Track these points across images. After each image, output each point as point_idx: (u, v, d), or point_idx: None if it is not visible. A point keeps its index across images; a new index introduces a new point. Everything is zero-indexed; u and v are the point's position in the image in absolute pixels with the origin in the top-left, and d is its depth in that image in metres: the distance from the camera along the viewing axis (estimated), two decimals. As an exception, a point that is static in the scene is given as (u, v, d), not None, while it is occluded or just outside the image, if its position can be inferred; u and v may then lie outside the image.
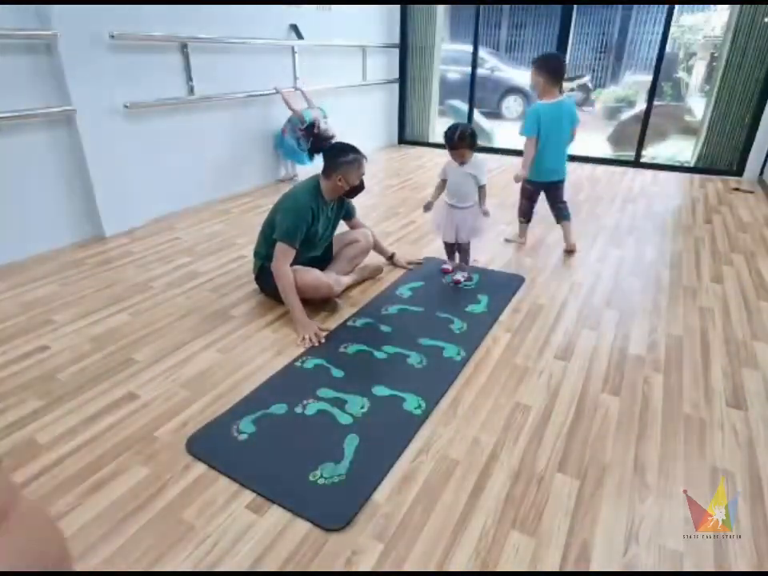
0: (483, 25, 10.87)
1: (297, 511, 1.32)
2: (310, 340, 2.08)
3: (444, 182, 2.57)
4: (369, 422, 1.65)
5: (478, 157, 2.52)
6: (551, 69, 2.82)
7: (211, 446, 1.54)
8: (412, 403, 1.74)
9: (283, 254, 2.18)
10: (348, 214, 2.60)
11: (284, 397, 1.76)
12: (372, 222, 3.38)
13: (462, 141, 2.39)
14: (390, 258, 2.83)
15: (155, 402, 1.74)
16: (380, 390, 1.80)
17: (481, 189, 2.50)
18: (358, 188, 2.35)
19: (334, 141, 2.47)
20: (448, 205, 2.56)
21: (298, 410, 1.70)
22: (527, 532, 1.28)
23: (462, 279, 2.64)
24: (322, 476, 1.43)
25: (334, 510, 1.33)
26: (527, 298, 2.50)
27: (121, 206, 3.27)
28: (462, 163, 2.46)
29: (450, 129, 2.43)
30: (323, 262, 2.53)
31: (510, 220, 3.56)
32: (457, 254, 2.72)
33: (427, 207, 2.58)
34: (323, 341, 2.10)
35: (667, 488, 1.42)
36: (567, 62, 5.50)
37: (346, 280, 2.52)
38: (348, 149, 2.28)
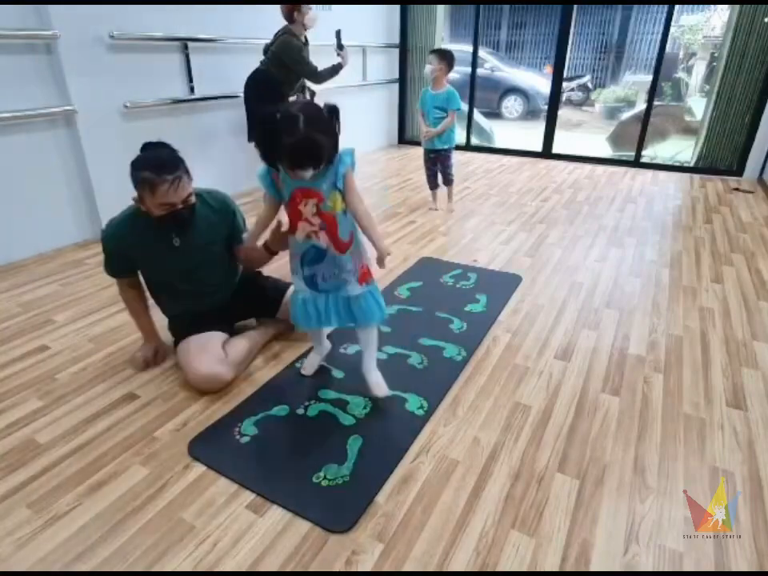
0: (483, 25, 10.89)
1: (301, 513, 1.32)
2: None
3: None
4: (372, 422, 1.65)
5: None
6: (452, 62, 3.42)
7: (213, 449, 1.54)
8: (414, 404, 1.74)
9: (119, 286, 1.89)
10: (234, 238, 1.85)
11: (285, 398, 1.76)
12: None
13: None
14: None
15: (155, 401, 1.74)
16: (381, 390, 1.80)
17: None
18: (173, 219, 1.60)
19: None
20: None
21: (300, 411, 1.70)
22: (527, 532, 1.28)
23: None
24: (325, 477, 1.43)
25: (339, 512, 1.33)
26: (527, 298, 2.50)
27: (121, 206, 3.23)
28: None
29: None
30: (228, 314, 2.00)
31: (511, 219, 3.57)
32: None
33: None
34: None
35: (667, 488, 1.42)
36: (567, 61, 5.56)
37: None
38: (138, 163, 1.56)
